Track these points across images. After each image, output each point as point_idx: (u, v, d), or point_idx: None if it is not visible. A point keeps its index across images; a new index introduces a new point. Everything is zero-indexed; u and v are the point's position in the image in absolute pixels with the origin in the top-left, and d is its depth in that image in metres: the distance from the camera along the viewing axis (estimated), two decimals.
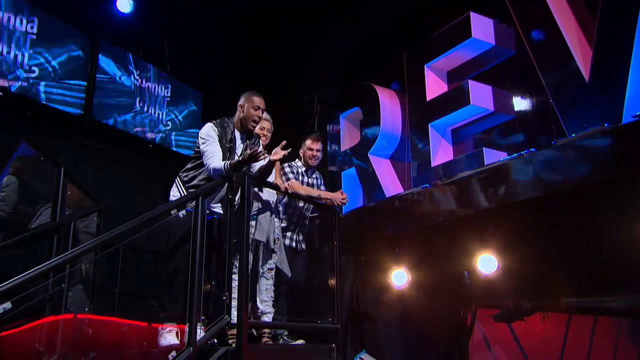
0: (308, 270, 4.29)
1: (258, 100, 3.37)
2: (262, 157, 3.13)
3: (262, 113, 3.43)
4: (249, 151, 3.15)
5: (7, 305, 1.97)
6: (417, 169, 4.79)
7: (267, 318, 3.59)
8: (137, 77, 6.12)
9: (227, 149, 3.31)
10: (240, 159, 3.16)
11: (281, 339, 3.91)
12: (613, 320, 4.64)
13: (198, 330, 2.74)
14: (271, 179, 3.71)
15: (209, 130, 3.31)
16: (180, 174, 3.44)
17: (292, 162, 4.19)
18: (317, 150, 4.16)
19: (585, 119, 3.47)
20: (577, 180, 3.43)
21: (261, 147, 3.54)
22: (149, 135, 6.18)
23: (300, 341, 3.91)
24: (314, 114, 6.42)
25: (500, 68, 4.51)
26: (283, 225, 3.99)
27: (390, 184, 5.12)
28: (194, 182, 3.32)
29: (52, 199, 3.69)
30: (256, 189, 3.55)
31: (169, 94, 6.46)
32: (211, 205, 3.35)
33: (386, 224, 4.87)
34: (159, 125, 6.32)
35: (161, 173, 6.33)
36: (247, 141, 3.49)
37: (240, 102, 3.42)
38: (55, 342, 3.32)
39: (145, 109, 6.17)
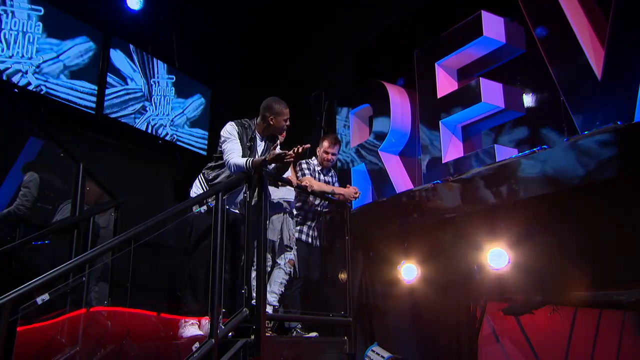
0: (321, 265, 4.35)
1: (288, 113, 3.47)
2: (289, 158, 3.18)
3: None
4: (276, 151, 3.20)
5: (45, 296, 2.03)
6: (427, 165, 4.84)
7: (269, 309, 3.65)
8: (147, 74, 6.16)
9: (248, 148, 3.38)
10: (265, 157, 3.21)
11: (294, 332, 3.98)
12: (617, 313, 4.71)
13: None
14: (287, 175, 3.77)
15: (230, 129, 3.39)
16: (203, 172, 3.51)
17: (309, 160, 4.25)
18: (333, 155, 4.22)
19: (597, 116, 3.52)
20: (589, 177, 3.48)
21: (279, 147, 3.60)
22: (158, 131, 6.23)
23: (314, 334, 3.98)
24: (322, 110, 6.47)
25: (510, 66, 4.56)
26: (298, 221, 4.05)
27: (400, 180, 5.17)
28: (217, 180, 3.39)
29: (71, 194, 3.74)
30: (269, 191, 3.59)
31: (177, 90, 6.50)
32: (230, 209, 3.40)
33: (396, 220, 4.92)
34: (168, 121, 6.36)
35: (170, 168, 6.40)
36: (267, 142, 3.55)
37: (266, 111, 3.44)
38: (75, 334, 3.40)
39: (155, 105, 6.21)
